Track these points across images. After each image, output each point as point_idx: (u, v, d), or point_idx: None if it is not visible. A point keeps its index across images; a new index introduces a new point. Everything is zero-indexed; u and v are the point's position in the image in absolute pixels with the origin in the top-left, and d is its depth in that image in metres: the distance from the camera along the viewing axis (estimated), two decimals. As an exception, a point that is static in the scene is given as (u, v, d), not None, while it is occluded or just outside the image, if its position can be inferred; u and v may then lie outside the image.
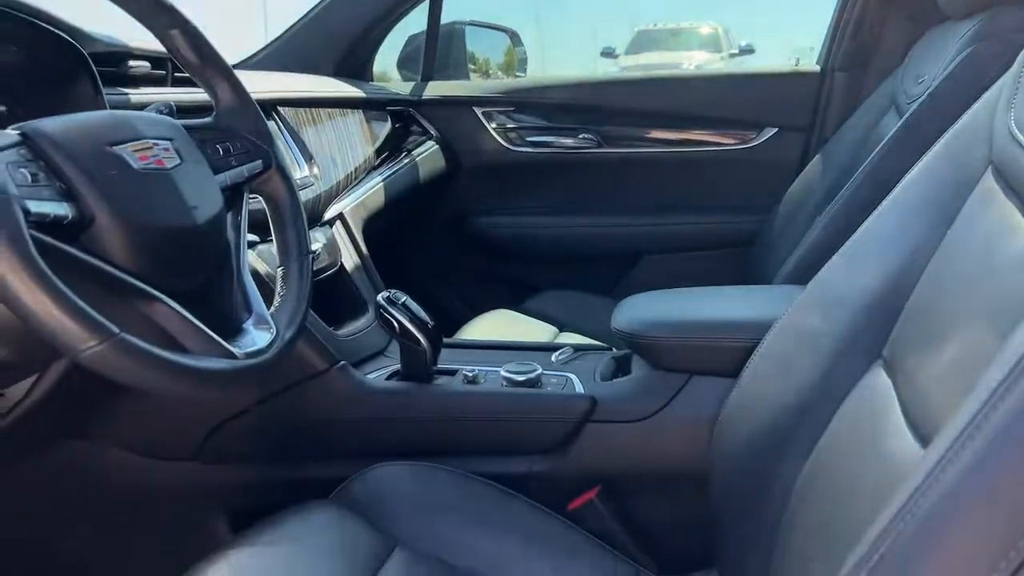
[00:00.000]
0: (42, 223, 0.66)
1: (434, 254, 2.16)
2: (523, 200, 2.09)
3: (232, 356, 0.78)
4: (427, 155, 1.92)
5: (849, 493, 0.81)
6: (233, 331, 0.83)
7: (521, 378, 1.18)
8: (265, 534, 1.00)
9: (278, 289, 0.92)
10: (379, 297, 1.19)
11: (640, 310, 1.17)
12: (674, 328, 1.12)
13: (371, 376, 1.23)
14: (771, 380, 0.98)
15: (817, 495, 0.86)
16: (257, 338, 0.83)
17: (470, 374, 1.21)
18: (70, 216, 0.69)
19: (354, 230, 1.46)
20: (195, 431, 1.21)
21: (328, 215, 1.41)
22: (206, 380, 0.74)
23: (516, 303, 1.87)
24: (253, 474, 1.23)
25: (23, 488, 1.22)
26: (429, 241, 2.14)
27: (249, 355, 0.80)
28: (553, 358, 1.28)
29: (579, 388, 1.17)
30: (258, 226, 1.13)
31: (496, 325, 1.73)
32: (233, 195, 0.91)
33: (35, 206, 0.65)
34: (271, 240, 0.99)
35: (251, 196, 0.95)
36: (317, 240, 1.33)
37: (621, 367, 1.24)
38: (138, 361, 0.68)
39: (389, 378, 1.23)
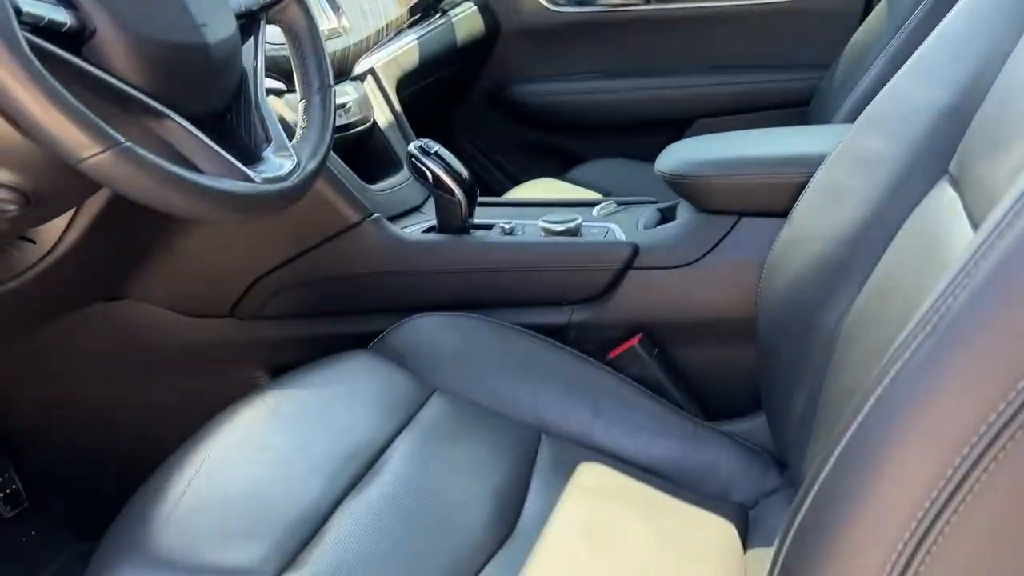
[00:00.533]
0: (37, 26, 0.62)
1: (472, 124, 2.09)
2: (566, 64, 2.00)
3: (250, 180, 0.74)
4: (465, 16, 1.83)
5: (908, 318, 0.76)
6: (251, 159, 0.79)
7: (560, 228, 1.13)
8: (301, 378, 1.00)
9: (300, 121, 0.88)
10: (411, 146, 1.14)
11: (686, 151, 1.11)
12: (722, 166, 1.06)
13: (406, 231, 1.20)
14: (824, 213, 0.92)
15: (870, 328, 0.81)
16: (277, 166, 0.80)
17: (507, 226, 1.17)
18: (68, 24, 0.65)
19: (386, 86, 1.40)
20: (231, 288, 1.20)
21: (358, 69, 1.36)
22: (221, 202, 0.71)
23: (559, 174, 1.81)
24: (290, 330, 1.22)
25: (59, 348, 1.24)
26: (467, 110, 2.07)
27: (268, 180, 0.77)
28: (594, 212, 1.23)
29: (621, 236, 1.13)
30: (286, 76, 1.09)
31: (536, 192, 1.68)
32: (249, 23, 0.87)
33: (28, 5, 0.61)
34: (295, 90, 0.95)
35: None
36: (347, 94, 1.28)
37: (666, 218, 1.19)
38: (146, 174, 0.65)
39: (425, 232, 1.20)
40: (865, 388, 0.54)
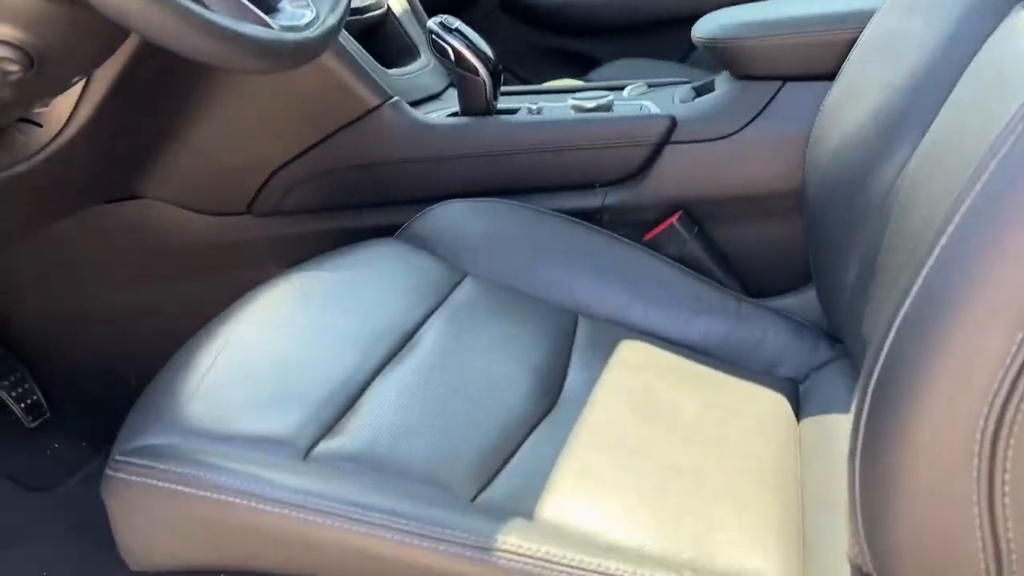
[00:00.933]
0: None
1: (484, 30, 2.01)
2: (580, -39, 1.91)
3: (267, 26, 0.69)
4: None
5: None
6: (268, 8, 0.74)
7: (591, 104, 1.08)
8: (325, 263, 0.95)
9: (316, -25, 0.82)
10: (430, 22, 1.08)
11: (725, 16, 1.04)
12: (765, 27, 0.99)
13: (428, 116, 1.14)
14: (877, 63, 0.86)
15: (930, 186, 0.75)
16: (296, 15, 0.74)
17: (534, 107, 1.11)
18: None
19: (400, -26, 1.33)
20: (247, 182, 1.15)
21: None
22: (238, 45, 0.65)
23: (579, 76, 1.74)
24: (310, 225, 1.17)
25: (72, 253, 1.20)
26: (478, 15, 1.99)
27: (286, 28, 0.71)
28: (625, 93, 1.17)
29: (656, 111, 1.07)
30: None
31: (558, 89, 1.61)
32: None
33: None
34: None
35: None
36: (358, -24, 1.21)
37: (702, 95, 1.13)
38: (160, 7, 0.59)
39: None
40: (929, 240, 0.51)
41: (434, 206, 1.05)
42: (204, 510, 0.61)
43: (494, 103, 1.11)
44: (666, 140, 1.04)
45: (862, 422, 0.51)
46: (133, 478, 0.64)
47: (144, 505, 0.64)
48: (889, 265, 0.79)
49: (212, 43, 0.63)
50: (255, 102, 1.08)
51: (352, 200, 1.16)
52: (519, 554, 0.57)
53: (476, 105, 1.10)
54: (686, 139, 1.03)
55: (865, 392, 0.51)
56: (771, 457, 0.78)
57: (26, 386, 1.32)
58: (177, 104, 1.08)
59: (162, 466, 0.64)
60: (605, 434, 0.76)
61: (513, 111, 1.13)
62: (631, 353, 0.90)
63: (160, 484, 0.63)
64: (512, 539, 0.58)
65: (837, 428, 0.81)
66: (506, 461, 0.72)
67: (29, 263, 1.24)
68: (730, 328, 0.96)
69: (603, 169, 1.07)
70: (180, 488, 0.62)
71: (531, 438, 0.76)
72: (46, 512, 1.27)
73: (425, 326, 0.87)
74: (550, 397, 0.81)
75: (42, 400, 1.34)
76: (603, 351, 0.90)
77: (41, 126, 0.94)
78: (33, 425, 1.32)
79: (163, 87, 1.02)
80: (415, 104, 1.17)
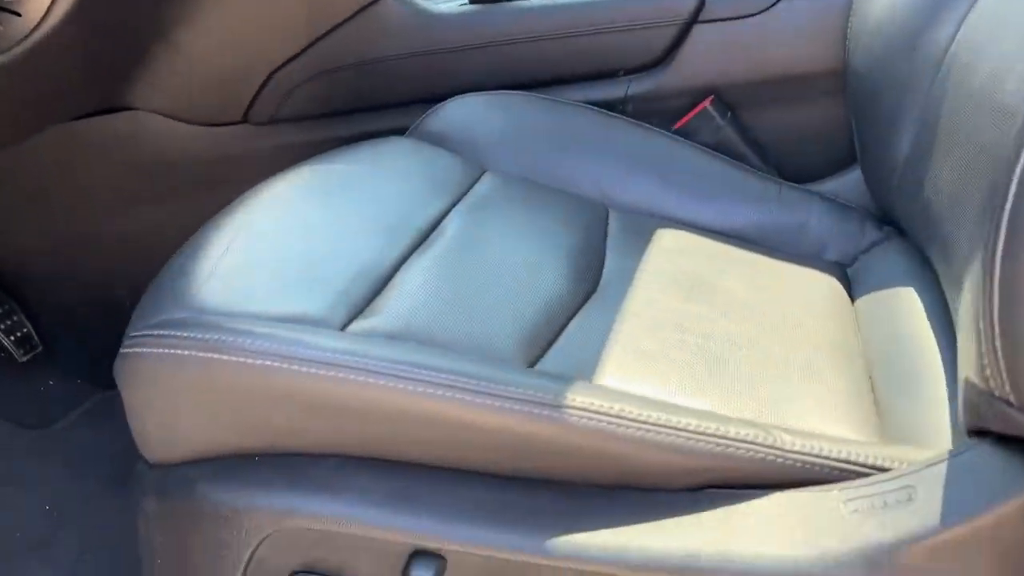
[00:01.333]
0: None
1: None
2: None
3: None
4: None
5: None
6: None
7: (610, -15, 1.00)
8: (334, 158, 0.88)
9: None
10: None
11: None
12: None
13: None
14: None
15: (999, 37, 0.69)
16: None
17: (548, -5, 1.04)
18: None
19: None
20: (243, 87, 1.07)
21: None
22: None
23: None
24: (312, 132, 1.10)
25: (61, 171, 1.12)
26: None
27: None
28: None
29: (680, -9, 1.00)
30: None
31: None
32: None
33: None
34: None
35: None
36: None
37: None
38: None
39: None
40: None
41: (446, 102, 0.98)
42: (237, 378, 0.54)
43: (504, -9, 1.03)
44: (694, 19, 0.96)
45: (999, 246, 0.46)
46: (154, 351, 0.57)
47: (167, 381, 0.57)
48: (950, 127, 0.73)
49: None
50: None
51: (356, 103, 1.09)
52: (592, 411, 0.51)
53: (486, -7, 1.03)
54: (716, 17, 0.96)
55: (999, 218, 0.46)
56: (832, 334, 0.72)
57: (15, 318, 1.25)
58: (166, 1, 1.00)
59: (187, 334, 0.56)
60: (655, 313, 0.70)
61: (526, 1, 1.05)
62: (670, 240, 0.84)
63: (186, 353, 0.56)
64: (582, 398, 0.52)
65: (897, 306, 0.75)
66: (553, 341, 0.66)
67: (14, 186, 1.16)
68: (771, 214, 0.90)
69: (626, 55, 1.00)
70: (209, 355, 0.55)
71: (577, 318, 0.70)
72: (45, 450, 1.21)
73: (448, 217, 0.80)
74: (590, 281, 0.75)
75: (33, 333, 1.27)
76: (640, 239, 0.84)
77: (19, 15, 0.86)
78: (25, 359, 1.25)
79: None
80: (418, -1, 1.10)
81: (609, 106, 1.00)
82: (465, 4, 1.05)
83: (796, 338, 0.70)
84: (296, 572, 0.55)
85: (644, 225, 0.87)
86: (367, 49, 1.04)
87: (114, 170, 1.13)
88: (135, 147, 1.11)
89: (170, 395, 0.57)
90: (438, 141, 0.95)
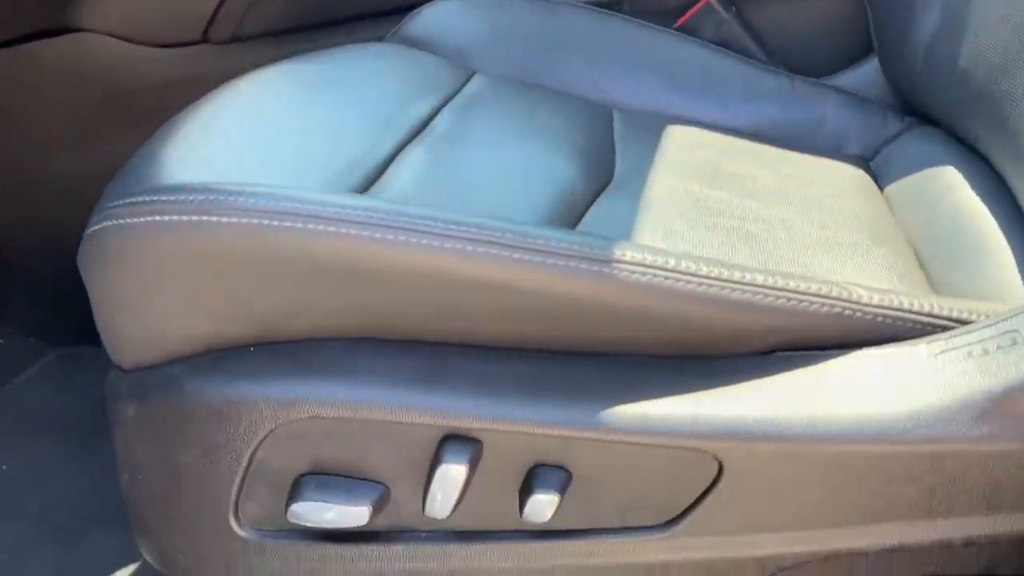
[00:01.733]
0: None
1: None
2: None
3: None
4: None
5: None
6: None
7: None
8: (311, 59, 0.80)
9: None
10: None
11: None
12: None
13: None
14: None
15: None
16: None
17: None
18: None
19: None
20: (200, 4, 0.99)
21: None
22: None
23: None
24: (278, 51, 1.00)
25: (5, 104, 1.03)
26: None
27: None
28: None
29: None
30: None
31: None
32: None
33: None
34: None
35: None
36: None
37: None
38: None
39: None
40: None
41: (423, 7, 0.90)
42: (233, 243, 0.45)
43: None
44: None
45: None
46: (131, 220, 0.47)
47: (146, 258, 0.48)
48: (978, 15, 0.68)
49: None
50: None
51: (324, 16, 1.00)
52: (646, 265, 0.44)
53: None
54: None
55: None
56: (869, 216, 0.67)
57: (-42, 269, 1.16)
58: None
59: (172, 197, 0.47)
60: (680, 198, 0.63)
61: None
62: (682, 136, 0.78)
63: (170, 218, 0.46)
64: (633, 253, 0.45)
65: (933, 188, 0.70)
66: (575, 226, 0.59)
67: None
68: (785, 109, 0.84)
69: None
70: (200, 218, 0.45)
71: (594, 207, 0.63)
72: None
73: (440, 114, 0.73)
74: (603, 173, 0.68)
75: (-21, 285, 1.17)
76: (650, 134, 0.77)
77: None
78: (-29, 313, 1.16)
79: None
80: None
81: (605, 5, 0.93)
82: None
83: (833, 220, 0.64)
84: (303, 475, 0.47)
85: (652, 123, 0.80)
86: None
87: (61, 101, 1.04)
88: (84, 73, 1.02)
89: (150, 276, 0.48)
90: (420, 47, 0.87)
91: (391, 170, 0.62)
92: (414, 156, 0.64)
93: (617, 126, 0.79)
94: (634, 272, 0.43)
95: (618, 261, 0.43)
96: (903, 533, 0.44)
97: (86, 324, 0.59)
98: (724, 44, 0.89)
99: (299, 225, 0.44)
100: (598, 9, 0.91)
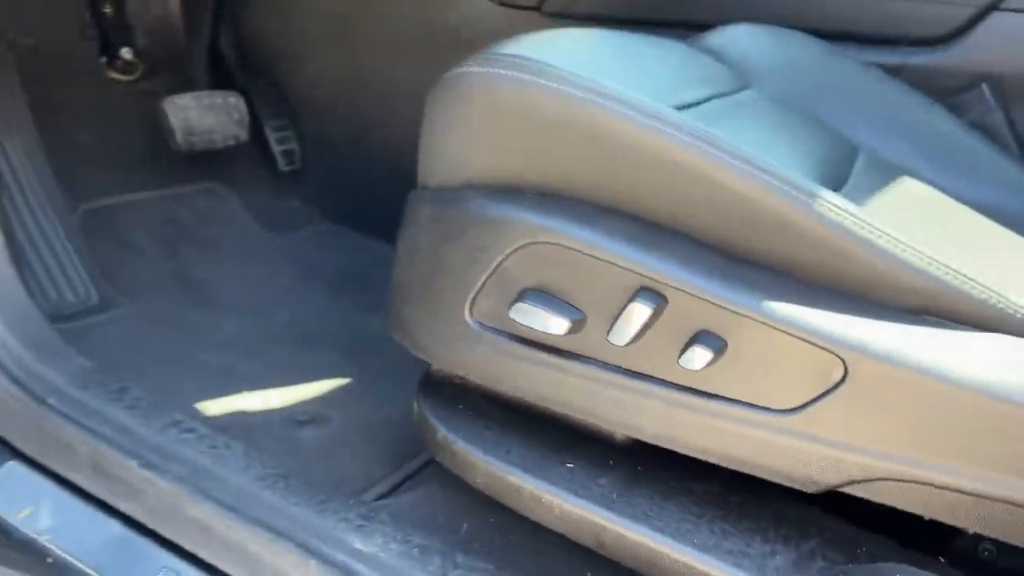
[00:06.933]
0: None
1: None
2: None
3: None
4: None
5: None
6: None
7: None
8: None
9: None
10: None
11: None
12: None
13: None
14: None
15: None
16: None
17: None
18: None
19: None
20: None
21: None
22: None
23: None
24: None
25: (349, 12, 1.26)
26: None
27: None
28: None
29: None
30: None
31: None
32: None
33: None
34: None
35: None
36: None
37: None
38: None
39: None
40: None
41: (728, 25, 1.04)
42: (555, 108, 0.60)
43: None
44: (995, 5, 0.98)
45: None
46: (480, 69, 0.64)
47: (484, 102, 0.63)
48: None
49: None
50: None
51: (649, 13, 1.16)
52: (840, 208, 0.55)
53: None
54: (1019, 8, 0.97)
55: None
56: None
57: (288, 133, 1.42)
58: None
59: (522, 61, 0.62)
60: (908, 202, 0.73)
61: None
62: (916, 187, 0.86)
63: (514, 74, 0.62)
64: (836, 199, 0.56)
65: None
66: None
67: (313, 25, 1.31)
68: (1021, 199, 0.90)
69: (914, 25, 1.02)
70: (538, 80, 0.60)
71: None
72: (277, 250, 1.35)
73: (709, 102, 0.86)
74: (836, 183, 0.79)
75: (297, 151, 1.43)
76: (885, 177, 0.86)
77: None
78: (287, 169, 1.42)
79: None
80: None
81: (883, 71, 1.03)
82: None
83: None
84: (527, 289, 0.62)
85: (891, 170, 0.89)
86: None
87: (411, 21, 1.25)
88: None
89: (481, 117, 0.64)
90: (711, 53, 1.01)
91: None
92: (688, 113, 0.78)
93: (858, 163, 0.89)
94: (831, 210, 0.55)
95: (824, 199, 0.55)
96: (989, 483, 0.52)
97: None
98: (984, 132, 0.96)
99: (611, 107, 0.60)
100: (878, 69, 1.00)
